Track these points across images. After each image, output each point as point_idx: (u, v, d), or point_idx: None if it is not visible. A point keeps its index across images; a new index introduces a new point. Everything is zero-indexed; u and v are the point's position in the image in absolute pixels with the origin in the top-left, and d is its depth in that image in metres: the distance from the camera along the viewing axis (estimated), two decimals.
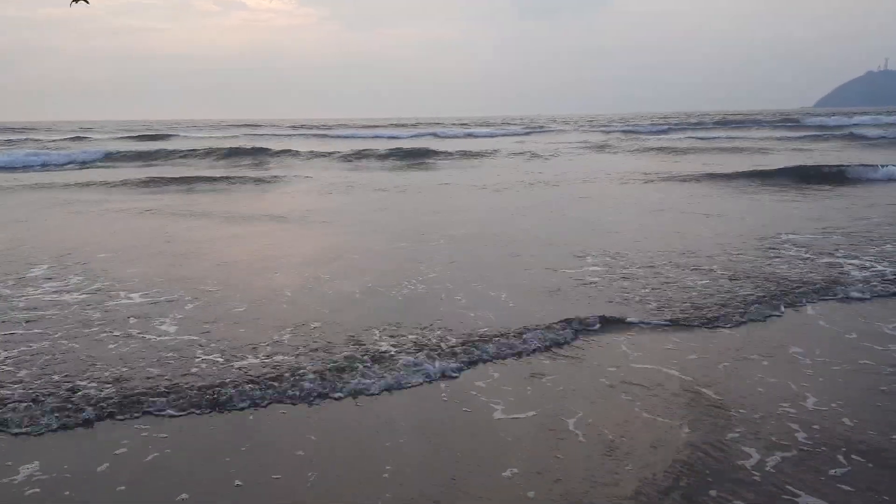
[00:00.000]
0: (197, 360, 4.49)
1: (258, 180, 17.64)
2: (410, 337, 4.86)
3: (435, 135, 41.67)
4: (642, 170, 18.63)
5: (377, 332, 4.99)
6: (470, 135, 42.73)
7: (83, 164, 23.76)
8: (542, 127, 54.92)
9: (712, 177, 16.16)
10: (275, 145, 29.71)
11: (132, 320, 5.34)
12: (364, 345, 4.71)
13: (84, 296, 6.03)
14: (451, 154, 24.99)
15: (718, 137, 35.09)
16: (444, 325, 5.12)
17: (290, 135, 45.25)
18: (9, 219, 11.13)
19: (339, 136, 41.85)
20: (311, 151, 26.33)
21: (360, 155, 25.32)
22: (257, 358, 4.50)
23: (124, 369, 4.32)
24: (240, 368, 4.33)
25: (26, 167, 22.60)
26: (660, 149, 27.02)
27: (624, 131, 43.66)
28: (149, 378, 4.18)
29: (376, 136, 40.30)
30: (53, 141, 37.48)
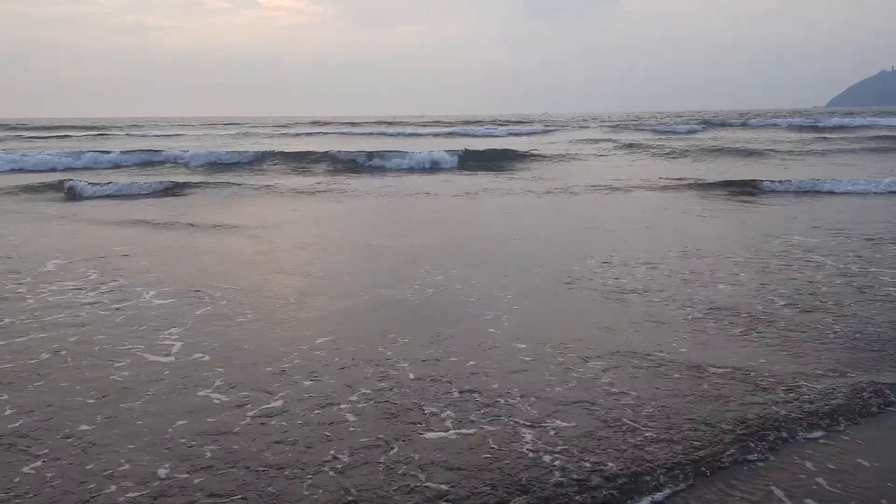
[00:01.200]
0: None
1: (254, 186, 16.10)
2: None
3: (462, 134, 39.29)
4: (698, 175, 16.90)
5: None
6: (492, 133, 40.57)
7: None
8: (558, 124, 53.09)
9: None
10: (264, 145, 28.02)
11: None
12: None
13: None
14: (538, 156, 22.92)
15: (751, 139, 33.13)
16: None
17: (299, 133, 43.31)
18: None
19: (352, 134, 40.05)
20: (325, 152, 24.32)
21: (373, 155, 23.24)
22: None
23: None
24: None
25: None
26: (698, 150, 25.24)
27: (652, 130, 41.10)
28: None
29: (379, 135, 38.48)
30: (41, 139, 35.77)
